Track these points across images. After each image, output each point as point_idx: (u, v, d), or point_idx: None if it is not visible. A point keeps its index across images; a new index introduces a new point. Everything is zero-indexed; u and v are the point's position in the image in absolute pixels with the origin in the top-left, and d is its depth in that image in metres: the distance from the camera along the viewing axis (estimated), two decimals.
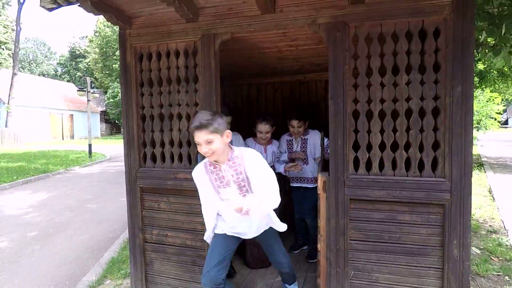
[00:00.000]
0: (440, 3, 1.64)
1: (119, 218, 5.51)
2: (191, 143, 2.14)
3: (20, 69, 26.83)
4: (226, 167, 1.68)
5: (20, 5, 17.37)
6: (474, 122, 9.43)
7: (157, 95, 2.19)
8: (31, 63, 53.10)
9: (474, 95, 10.01)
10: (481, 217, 5.02)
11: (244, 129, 2.96)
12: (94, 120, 36.22)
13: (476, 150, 16.72)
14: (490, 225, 4.64)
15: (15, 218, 5.54)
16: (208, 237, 1.90)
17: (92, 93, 15.57)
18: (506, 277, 3.08)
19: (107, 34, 33.45)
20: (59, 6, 1.91)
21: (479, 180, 8.02)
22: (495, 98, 9.84)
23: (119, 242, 4.17)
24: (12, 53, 21.05)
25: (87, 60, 45.83)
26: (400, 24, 1.72)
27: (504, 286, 2.91)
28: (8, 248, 4.15)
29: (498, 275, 3.14)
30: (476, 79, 12.02)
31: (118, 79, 34.79)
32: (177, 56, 2.12)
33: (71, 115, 33.42)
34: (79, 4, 1.86)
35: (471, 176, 1.68)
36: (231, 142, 1.80)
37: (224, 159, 1.67)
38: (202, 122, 1.55)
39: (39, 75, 47.30)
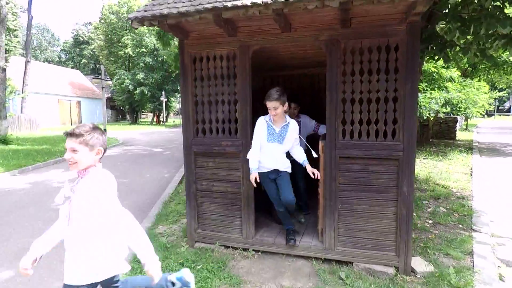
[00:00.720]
0: (399, 29, 2.54)
1: (148, 190, 6.54)
2: (231, 120, 3.09)
3: (17, 54, 27.32)
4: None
5: None
6: (462, 109, 10.28)
7: (206, 87, 3.13)
8: (36, 50, 53.49)
9: (465, 84, 10.84)
10: (455, 188, 6.00)
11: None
12: (101, 107, 37.10)
13: (470, 136, 17.66)
14: (460, 194, 5.62)
15: (57, 191, 6.57)
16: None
17: (106, 80, 16.38)
18: (460, 225, 4.07)
19: (112, 21, 33.72)
20: (144, 25, 2.81)
21: (464, 161, 8.95)
22: (483, 87, 10.66)
23: (159, 205, 5.19)
24: (25, 41, 21.69)
25: (91, 47, 46.22)
26: (373, 42, 2.63)
27: (456, 230, 3.91)
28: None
29: (455, 224, 4.13)
30: (469, 69, 12.82)
31: (123, 66, 35.34)
32: (221, 60, 3.05)
33: (79, 102, 34.19)
34: (158, 25, 2.77)
35: (415, 141, 2.63)
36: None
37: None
38: (75, 131, 1.59)
39: (43, 61, 47.81)
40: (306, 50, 3.37)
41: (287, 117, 2.99)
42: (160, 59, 32.86)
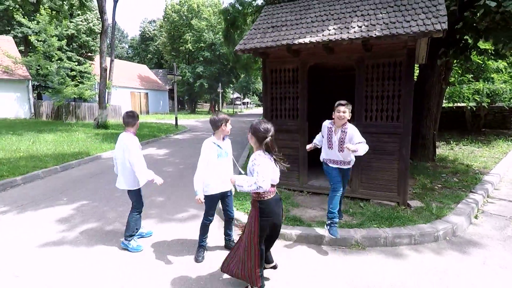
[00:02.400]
0: (401, 52, 4.10)
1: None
2: (293, 109, 4.93)
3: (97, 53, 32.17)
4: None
5: (115, 2, 21.31)
6: (507, 98, 10.62)
7: (278, 89, 5.00)
8: (108, 47, 60.53)
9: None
10: (476, 167, 7.08)
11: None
12: (164, 97, 41.44)
13: None
14: (479, 171, 6.73)
15: (163, 160, 9.06)
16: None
17: (177, 75, 19.20)
18: (463, 189, 5.38)
19: (175, 19, 37.22)
20: (244, 53, 4.74)
21: (504, 149, 9.50)
22: None
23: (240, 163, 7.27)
24: (109, 43, 25.71)
25: (156, 43, 51.16)
26: (385, 60, 4.22)
27: (457, 191, 5.25)
28: (174, 172, 7.53)
29: (459, 188, 5.45)
30: None
31: (184, 60, 38.93)
32: (288, 71, 4.88)
33: (146, 93, 38.49)
34: (252, 53, 4.68)
35: (410, 125, 4.19)
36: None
37: None
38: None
39: (114, 58, 54.15)
40: (344, 62, 5.02)
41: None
42: (217, 53, 35.68)
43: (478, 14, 4.71)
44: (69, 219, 4.47)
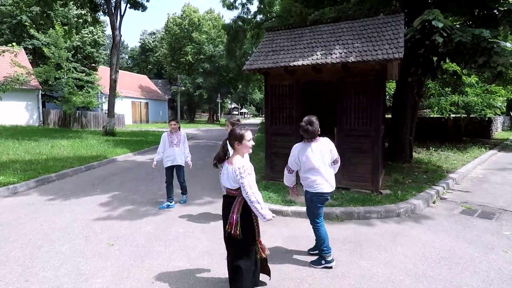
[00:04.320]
0: (372, 73, 5.33)
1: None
2: (289, 117, 6.10)
3: (102, 64, 33.34)
4: None
5: (121, 17, 22.67)
6: (478, 110, 11.99)
7: (277, 100, 6.19)
8: (108, 58, 61.95)
9: (483, 88, 12.48)
10: (445, 168, 8.25)
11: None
12: (164, 107, 42.61)
13: (510, 135, 18.47)
14: (446, 171, 7.90)
15: None
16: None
17: (180, 86, 20.45)
18: (429, 183, 6.52)
19: (176, 32, 38.77)
20: (250, 72, 5.94)
21: (476, 154, 10.69)
22: (499, 91, 12.24)
23: None
24: (109, 55, 26.98)
25: (156, 54, 52.69)
26: (360, 78, 5.45)
27: (423, 185, 6.39)
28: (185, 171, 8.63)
29: (425, 182, 6.60)
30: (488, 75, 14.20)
31: (184, 72, 40.32)
32: (285, 87, 6.09)
33: (147, 103, 39.55)
34: (257, 72, 5.88)
35: (381, 129, 5.39)
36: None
37: None
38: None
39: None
40: (328, 80, 6.25)
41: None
42: (217, 65, 37.14)
43: (435, 43, 5.97)
44: (108, 203, 5.54)
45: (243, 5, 19.60)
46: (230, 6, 18.67)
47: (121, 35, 17.16)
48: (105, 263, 3.35)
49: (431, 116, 16.69)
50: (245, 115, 74.22)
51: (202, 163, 9.59)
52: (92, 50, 30.00)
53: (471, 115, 13.66)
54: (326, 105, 6.95)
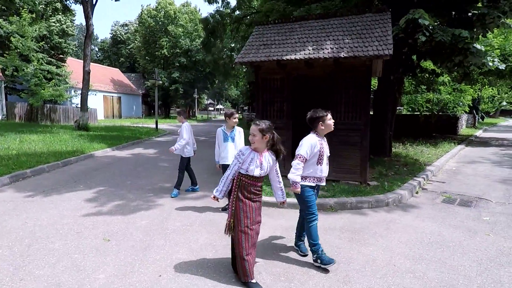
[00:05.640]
0: (362, 68, 5.51)
1: (210, 157, 9.74)
2: (280, 110, 6.16)
3: (71, 56, 31.53)
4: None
5: (93, 6, 21.56)
6: (451, 107, 12.83)
7: (268, 94, 6.22)
8: (78, 49, 58.76)
9: (454, 87, 13.32)
10: (422, 161, 8.74)
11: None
12: (137, 102, 41.23)
13: (475, 132, 19.85)
14: (423, 163, 8.38)
15: (155, 158, 9.90)
16: None
17: (157, 80, 19.85)
18: (410, 175, 6.89)
19: (151, 24, 37.48)
20: (242, 65, 5.91)
21: (447, 148, 11.43)
22: (467, 90, 13.15)
23: None
24: (78, 46, 25.62)
25: (129, 47, 50.68)
26: (351, 74, 5.61)
27: (405, 177, 6.74)
28: (171, 167, 8.44)
29: (407, 175, 6.96)
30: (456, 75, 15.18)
31: (159, 66, 39.14)
32: (276, 81, 6.13)
33: (119, 98, 38.05)
34: (248, 65, 5.87)
35: (369, 122, 5.60)
36: None
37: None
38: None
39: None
40: (319, 75, 6.38)
41: None
42: (194, 60, 36.44)
43: (418, 41, 6.28)
44: (96, 199, 5.32)
45: None
46: (211, 0, 18.34)
47: (93, 28, 16.35)
48: (105, 259, 3.22)
49: (404, 113, 17.56)
50: (221, 111, 73.72)
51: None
52: (60, 40, 28.25)
53: (440, 113, 14.54)
54: (318, 100, 7.08)
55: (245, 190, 2.74)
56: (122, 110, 37.95)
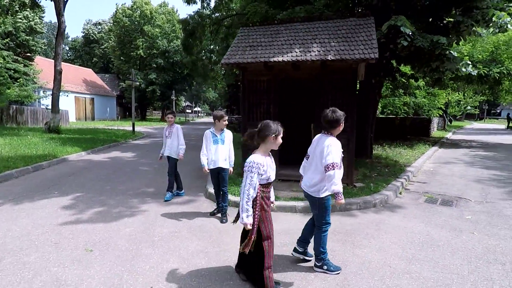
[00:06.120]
0: (348, 71, 5.58)
1: (197, 162, 9.50)
2: (266, 112, 6.10)
3: (39, 54, 29.76)
4: None
5: (65, 2, 20.59)
6: (426, 110, 13.43)
7: (255, 96, 6.15)
8: (47, 47, 55.83)
9: (429, 91, 13.94)
10: (402, 162, 9.02)
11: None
12: (112, 104, 39.73)
13: (445, 134, 20.87)
14: (404, 164, 8.65)
15: (135, 161, 9.52)
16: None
17: (134, 81, 19.22)
18: (392, 176, 7.07)
19: (126, 24, 36.35)
20: (228, 67, 5.80)
21: (423, 150, 11.89)
22: (440, 94, 13.83)
23: None
24: (47, 44, 24.36)
25: (102, 46, 48.83)
26: (338, 76, 5.67)
27: (388, 178, 6.90)
28: (151, 170, 8.12)
29: (389, 176, 7.14)
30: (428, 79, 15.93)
31: (135, 66, 37.99)
32: (263, 82, 6.07)
33: (92, 99, 36.49)
34: (234, 66, 5.77)
35: (355, 124, 5.67)
36: None
37: None
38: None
39: (53, 59, 49.99)
40: (306, 77, 6.40)
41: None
42: (171, 61, 35.69)
43: (399, 46, 6.48)
44: (73, 206, 4.98)
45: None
46: (189, 1, 18.04)
47: (65, 26, 15.51)
48: (89, 271, 2.99)
49: (380, 116, 18.15)
50: (199, 114, 72.74)
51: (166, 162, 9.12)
52: (28, 37, 26.68)
53: (415, 116, 15.17)
54: (305, 102, 7.11)
55: (266, 198, 2.63)
56: (95, 112, 36.44)
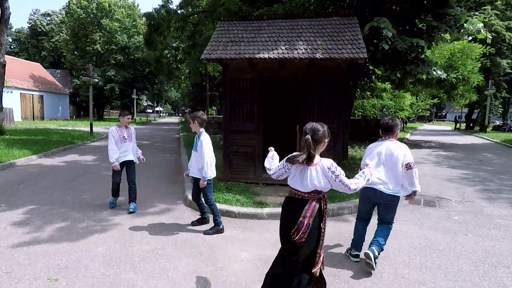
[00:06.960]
0: (335, 70, 5.42)
1: (167, 165, 8.83)
2: (250, 113, 5.74)
3: None
4: None
5: None
6: (392, 111, 14.00)
7: (237, 95, 5.75)
8: None
9: (394, 93, 14.53)
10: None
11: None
12: (64, 102, 36.54)
13: (405, 135, 22.08)
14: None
15: (97, 166, 8.59)
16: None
17: (92, 77, 17.69)
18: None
19: (80, 16, 33.65)
20: (210, 63, 5.34)
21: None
22: (406, 96, 14.52)
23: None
24: None
25: (53, 39, 44.77)
26: (325, 76, 5.48)
27: None
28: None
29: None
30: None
31: (92, 62, 35.30)
32: (246, 81, 5.69)
33: (41, 96, 33.28)
34: (217, 62, 5.32)
35: (341, 125, 5.53)
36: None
37: None
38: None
39: None
40: (292, 76, 6.14)
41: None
42: (132, 58, 33.72)
43: (379, 48, 6.49)
44: (28, 222, 4.18)
45: None
46: None
47: (10, 13, 13.70)
48: None
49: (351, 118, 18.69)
50: (161, 114, 69.92)
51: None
52: None
53: (378, 118, 15.79)
54: (290, 101, 6.87)
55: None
56: (45, 111, 33.26)
